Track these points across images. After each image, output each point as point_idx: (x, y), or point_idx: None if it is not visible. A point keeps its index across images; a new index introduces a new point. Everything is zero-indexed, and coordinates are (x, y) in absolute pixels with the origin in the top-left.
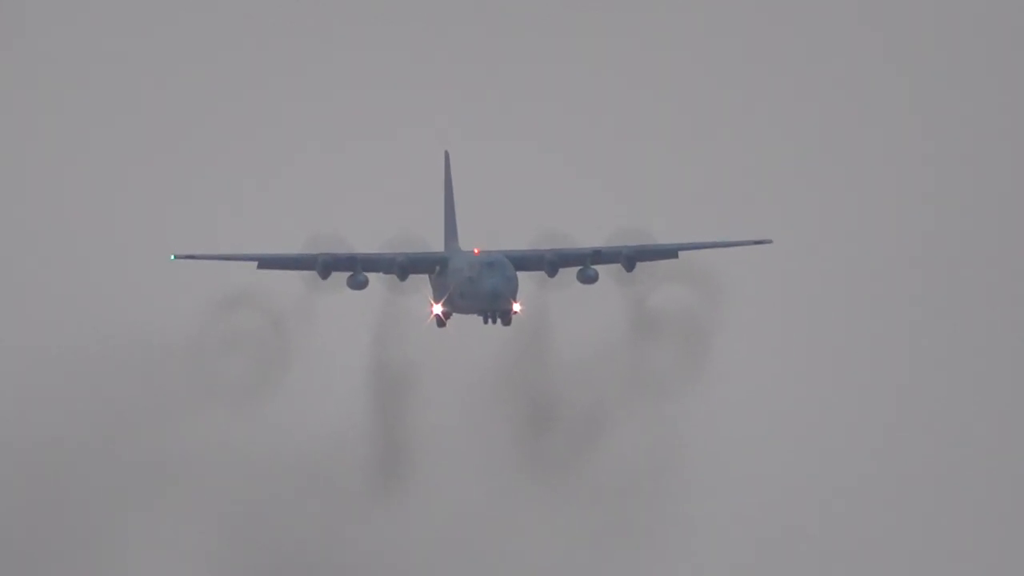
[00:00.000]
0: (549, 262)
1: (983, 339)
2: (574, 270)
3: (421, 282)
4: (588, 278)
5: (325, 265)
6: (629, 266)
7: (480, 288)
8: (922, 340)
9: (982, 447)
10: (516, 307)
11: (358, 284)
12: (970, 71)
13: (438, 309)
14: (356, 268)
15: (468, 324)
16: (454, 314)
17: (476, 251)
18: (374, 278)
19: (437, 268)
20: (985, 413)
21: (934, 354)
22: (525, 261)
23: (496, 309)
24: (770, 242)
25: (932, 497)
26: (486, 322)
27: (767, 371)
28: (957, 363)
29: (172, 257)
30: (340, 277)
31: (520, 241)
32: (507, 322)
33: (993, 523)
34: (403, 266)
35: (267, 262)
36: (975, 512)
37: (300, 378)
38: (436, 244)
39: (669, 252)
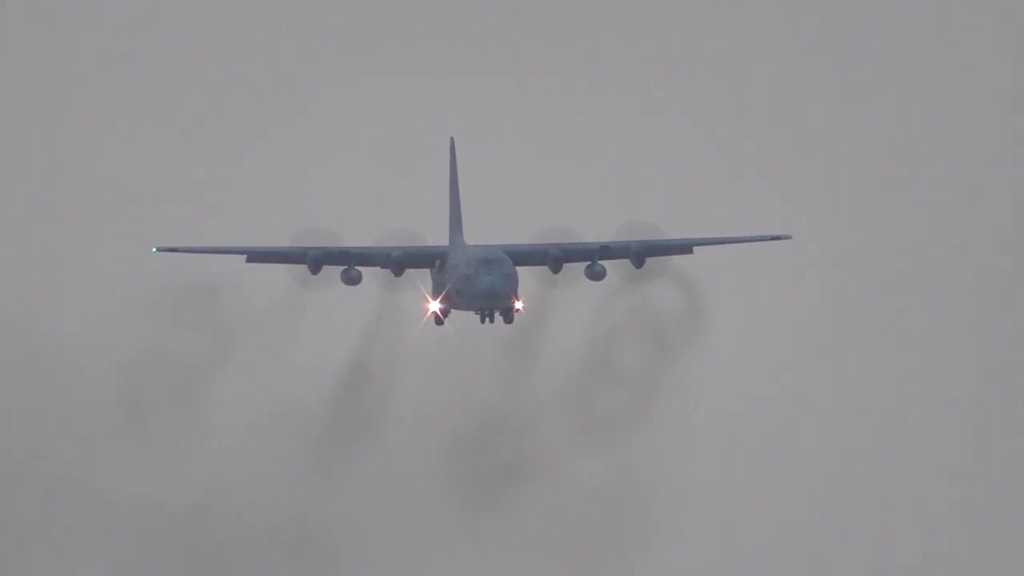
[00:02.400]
0: (553, 257)
1: (1008, 336)
2: (580, 266)
3: (419, 278)
4: (596, 275)
5: (315, 259)
6: (638, 262)
7: (476, 286)
8: (946, 338)
9: (1009, 445)
10: (518, 305)
11: (351, 279)
12: (994, 65)
13: (435, 306)
14: (350, 262)
15: (467, 322)
16: (453, 311)
17: (475, 246)
18: (368, 274)
19: (437, 263)
20: (1012, 409)
21: (958, 353)
22: (528, 256)
23: (493, 308)
24: (789, 238)
25: (969, 498)
26: (483, 321)
27: (784, 371)
28: (981, 361)
29: (154, 250)
30: (332, 272)
31: (524, 235)
32: (509, 320)
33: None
34: (399, 261)
35: (257, 255)
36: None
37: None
38: (440, 237)
39: (683, 247)
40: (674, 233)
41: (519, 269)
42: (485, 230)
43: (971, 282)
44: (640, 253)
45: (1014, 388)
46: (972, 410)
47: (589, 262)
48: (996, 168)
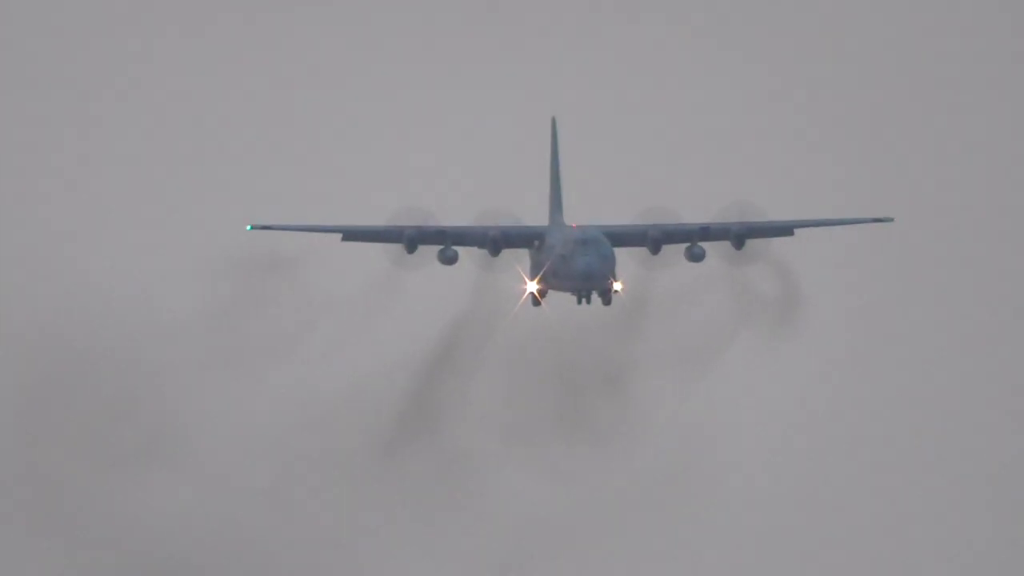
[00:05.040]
0: (652, 239)
1: None
2: (679, 247)
3: (516, 258)
4: (695, 256)
5: (411, 238)
6: (738, 244)
7: (572, 267)
8: None
9: None
10: (617, 286)
11: (448, 259)
12: None
13: (533, 287)
14: (446, 242)
15: (565, 303)
16: (550, 292)
17: (574, 226)
18: (465, 253)
19: (536, 243)
20: None
21: None
22: (626, 237)
23: (590, 289)
24: (891, 220)
25: None
26: (580, 302)
27: (888, 357)
28: None
29: (248, 228)
30: (428, 252)
31: (624, 215)
32: (607, 301)
33: None
34: (496, 241)
35: (352, 234)
36: None
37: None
38: (539, 217)
39: (783, 229)
40: (776, 215)
41: (617, 250)
42: (585, 210)
43: None
44: (740, 235)
45: None
46: None
47: (688, 243)
48: None
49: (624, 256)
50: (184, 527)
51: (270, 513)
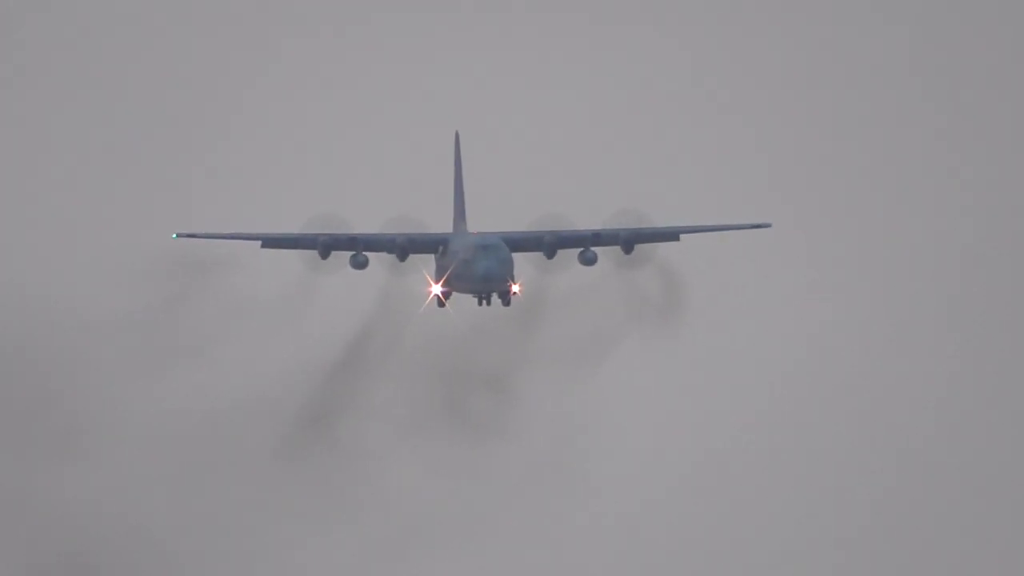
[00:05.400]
0: (548, 244)
1: (987, 327)
2: (572, 252)
3: (423, 263)
4: (588, 260)
5: (325, 245)
6: (627, 249)
7: (474, 270)
8: (923, 329)
9: (982, 440)
10: (515, 288)
11: (359, 264)
12: (976, 54)
13: (437, 289)
14: (357, 248)
15: (467, 304)
16: (454, 294)
17: (476, 233)
18: (375, 259)
19: (440, 249)
20: (990, 402)
21: (934, 344)
22: (524, 243)
23: (490, 291)
24: (769, 226)
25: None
26: (481, 303)
27: (763, 357)
28: (959, 354)
29: (174, 236)
30: (341, 257)
31: (521, 222)
32: (507, 303)
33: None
34: (403, 247)
35: (271, 241)
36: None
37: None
38: (443, 225)
39: (670, 235)
40: (663, 221)
41: (516, 255)
42: (486, 217)
43: (948, 268)
44: (629, 240)
45: (993, 374)
46: (952, 395)
47: (582, 248)
48: (973, 156)
49: (522, 260)
50: (96, 523)
51: (179, 509)
